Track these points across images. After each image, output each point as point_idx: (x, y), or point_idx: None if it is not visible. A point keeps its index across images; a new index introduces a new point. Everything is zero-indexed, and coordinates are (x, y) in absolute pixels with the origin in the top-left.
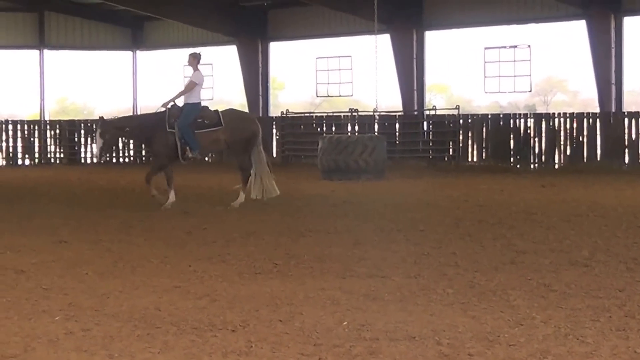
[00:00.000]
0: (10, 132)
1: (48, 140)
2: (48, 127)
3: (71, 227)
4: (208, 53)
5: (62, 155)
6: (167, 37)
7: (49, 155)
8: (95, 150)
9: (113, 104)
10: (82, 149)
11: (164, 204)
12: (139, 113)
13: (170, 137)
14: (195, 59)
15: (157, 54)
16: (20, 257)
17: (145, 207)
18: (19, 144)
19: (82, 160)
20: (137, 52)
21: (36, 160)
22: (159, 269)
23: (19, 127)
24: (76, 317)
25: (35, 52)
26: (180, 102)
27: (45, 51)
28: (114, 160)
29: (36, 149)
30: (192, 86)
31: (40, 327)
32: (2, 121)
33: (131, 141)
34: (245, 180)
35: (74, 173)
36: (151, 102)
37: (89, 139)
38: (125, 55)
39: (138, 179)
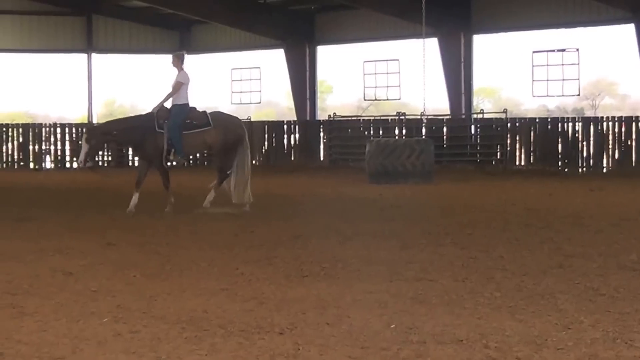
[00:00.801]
0: (59, 136)
1: None
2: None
3: (119, 230)
4: (255, 56)
5: (109, 159)
6: (214, 41)
7: (97, 159)
8: (80, 155)
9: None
10: (130, 152)
11: (166, 209)
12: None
13: (159, 139)
14: (179, 60)
15: (205, 57)
16: (68, 259)
17: (192, 210)
18: (67, 147)
19: (130, 163)
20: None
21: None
22: (206, 271)
23: (67, 130)
24: (124, 319)
25: (83, 56)
26: (167, 104)
27: (94, 55)
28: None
29: None
30: (179, 86)
31: (88, 328)
32: (50, 124)
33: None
34: (221, 181)
35: (122, 177)
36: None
37: None
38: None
39: (185, 183)
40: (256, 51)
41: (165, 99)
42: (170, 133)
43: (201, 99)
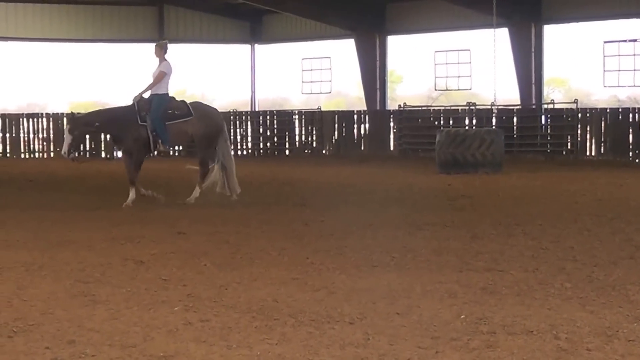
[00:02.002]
0: None
1: None
2: None
3: (190, 219)
4: (326, 46)
5: (180, 148)
6: (285, 31)
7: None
8: (64, 147)
9: (231, 97)
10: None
11: (159, 198)
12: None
13: (142, 131)
14: (162, 49)
15: (275, 47)
16: (139, 248)
17: (263, 199)
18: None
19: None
20: (256, 45)
21: (154, 153)
22: (276, 260)
23: None
24: (195, 307)
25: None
26: (146, 94)
27: None
28: (232, 152)
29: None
30: (161, 76)
31: (159, 317)
32: None
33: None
34: (204, 175)
35: (192, 165)
36: (269, 95)
37: None
38: (244, 49)
39: (255, 171)
40: (326, 41)
41: (147, 89)
42: (154, 124)
43: (272, 89)
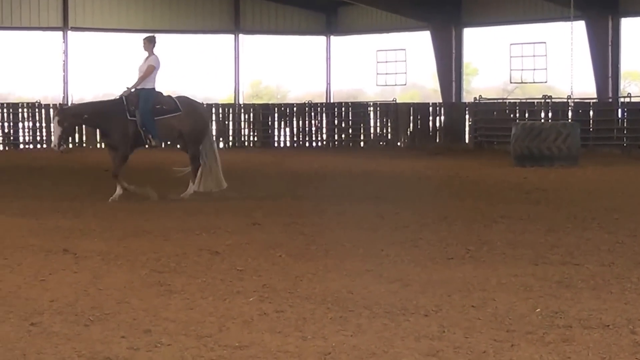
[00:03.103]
0: None
1: (242, 123)
2: (242, 110)
3: (264, 210)
4: (401, 38)
5: (255, 139)
6: (360, 23)
7: (242, 139)
8: (53, 139)
9: (306, 88)
10: (276, 133)
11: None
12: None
13: (131, 126)
14: (150, 43)
15: (350, 39)
16: (215, 238)
17: (338, 191)
18: (214, 127)
19: (276, 144)
20: (331, 36)
21: (230, 144)
22: (351, 252)
23: (213, 110)
24: (270, 298)
25: (230, 37)
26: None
27: (241, 35)
28: (307, 144)
29: (230, 132)
30: (150, 71)
31: (234, 307)
32: None
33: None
34: (195, 171)
35: (267, 156)
36: (344, 87)
37: (282, 123)
38: (319, 40)
39: (329, 163)
40: (402, 33)
41: (137, 84)
42: (144, 119)
43: (347, 81)
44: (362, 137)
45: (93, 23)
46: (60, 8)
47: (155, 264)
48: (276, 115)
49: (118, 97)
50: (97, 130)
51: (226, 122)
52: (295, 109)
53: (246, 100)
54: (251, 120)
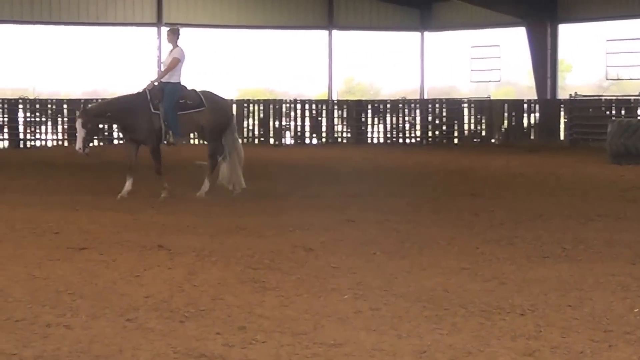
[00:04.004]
0: (299, 112)
1: (335, 119)
2: (335, 106)
3: (358, 207)
4: (495, 34)
5: (349, 135)
6: (454, 18)
7: (335, 135)
8: (78, 141)
9: (399, 85)
10: (369, 129)
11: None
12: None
13: (155, 120)
14: (174, 35)
15: (445, 35)
16: (309, 235)
17: (432, 188)
18: (307, 123)
19: (369, 141)
20: (425, 33)
21: (323, 140)
22: (446, 250)
23: (307, 106)
24: (365, 296)
25: (324, 33)
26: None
27: (334, 31)
28: (400, 140)
29: (323, 129)
30: (175, 63)
31: (329, 305)
32: (290, 100)
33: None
34: (213, 167)
35: (360, 153)
36: (437, 83)
37: (375, 120)
38: (413, 36)
39: (424, 160)
40: (496, 29)
41: (161, 77)
42: (167, 114)
43: (441, 77)
44: (455, 134)
45: (187, 19)
46: (154, 4)
47: (249, 261)
48: (369, 111)
49: (141, 91)
50: (121, 127)
51: (319, 119)
52: (388, 105)
53: (339, 96)
54: (344, 116)
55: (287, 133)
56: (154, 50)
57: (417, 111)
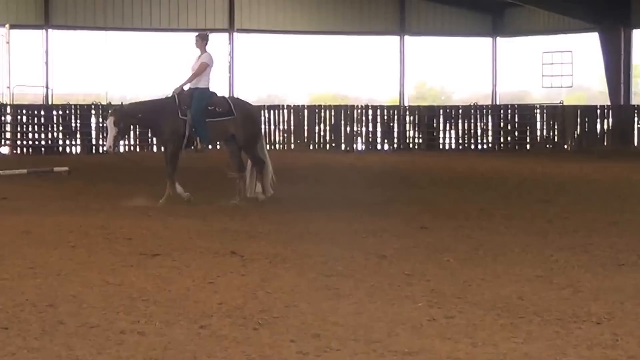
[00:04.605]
0: (370, 117)
1: (407, 125)
2: (407, 112)
3: (431, 213)
4: (567, 40)
5: (420, 141)
6: (526, 24)
7: (407, 141)
8: (108, 140)
9: (471, 90)
10: (441, 135)
11: (188, 199)
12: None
13: (181, 124)
14: (203, 41)
15: (517, 40)
16: (382, 242)
17: (505, 194)
18: (379, 129)
19: (441, 146)
20: (497, 38)
21: (395, 146)
22: (520, 257)
23: (378, 112)
24: (439, 304)
25: (395, 38)
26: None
27: (406, 37)
28: (472, 146)
29: (395, 134)
30: (203, 68)
31: (403, 312)
32: (362, 106)
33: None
34: (261, 171)
35: (432, 159)
36: (509, 88)
37: (447, 125)
38: (485, 42)
39: (496, 166)
40: (568, 34)
41: (188, 82)
42: (195, 120)
43: (512, 83)
44: (528, 140)
45: (258, 25)
46: (226, 10)
47: (322, 267)
48: (441, 117)
49: (170, 95)
50: (149, 130)
51: (391, 124)
52: (460, 111)
53: (410, 101)
54: (416, 122)
55: (359, 139)
56: (225, 56)
57: (489, 117)
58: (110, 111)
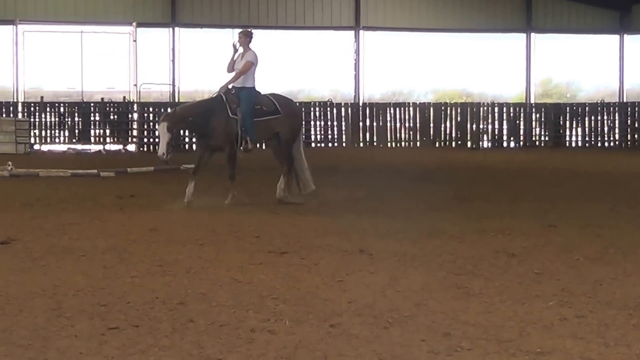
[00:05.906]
0: (496, 115)
1: (533, 123)
2: (533, 109)
3: (559, 211)
4: None
5: (547, 138)
6: None
7: (533, 138)
8: (161, 146)
9: (597, 87)
10: (567, 132)
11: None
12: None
13: (233, 125)
14: (247, 38)
15: None
16: (510, 240)
17: (633, 193)
18: (505, 126)
19: (567, 144)
20: (625, 35)
21: (521, 143)
22: None
23: (504, 109)
24: (570, 303)
25: (522, 35)
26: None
27: (532, 34)
28: (599, 144)
29: (521, 132)
30: (248, 67)
31: (534, 312)
32: (488, 103)
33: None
34: (289, 170)
35: (558, 156)
36: (636, 86)
37: (574, 123)
38: (612, 39)
39: (624, 164)
40: None
41: (233, 80)
42: (245, 119)
43: (638, 80)
44: None
45: (384, 22)
46: (352, 8)
47: (451, 266)
48: (568, 114)
49: (216, 95)
50: (199, 133)
51: (517, 122)
52: (587, 108)
53: (536, 99)
54: (542, 119)
55: (485, 136)
56: (351, 54)
57: (616, 114)
58: (162, 116)
